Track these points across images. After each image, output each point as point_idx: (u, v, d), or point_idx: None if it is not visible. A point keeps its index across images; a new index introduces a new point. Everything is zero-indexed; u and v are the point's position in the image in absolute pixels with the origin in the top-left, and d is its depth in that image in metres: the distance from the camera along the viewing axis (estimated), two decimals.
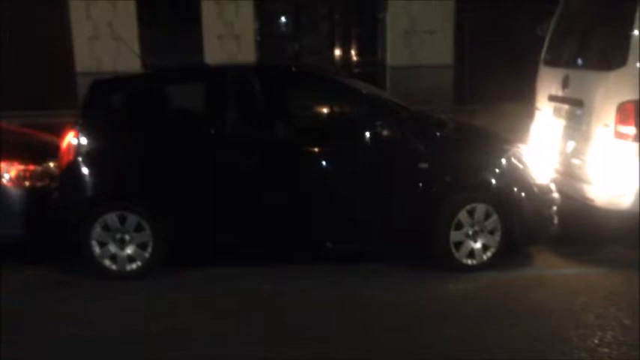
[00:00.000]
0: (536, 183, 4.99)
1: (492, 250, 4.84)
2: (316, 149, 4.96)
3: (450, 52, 11.47)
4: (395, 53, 11.62)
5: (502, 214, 4.81)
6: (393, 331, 4.01)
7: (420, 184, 4.82)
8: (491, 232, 4.83)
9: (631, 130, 4.90)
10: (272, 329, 4.08)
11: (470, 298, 4.52)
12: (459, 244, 4.83)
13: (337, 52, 12.43)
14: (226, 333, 4.05)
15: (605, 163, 5.10)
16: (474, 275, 4.80)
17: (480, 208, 4.80)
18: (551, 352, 3.71)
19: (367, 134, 4.87)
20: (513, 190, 4.87)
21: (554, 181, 5.35)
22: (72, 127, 4.96)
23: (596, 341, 3.83)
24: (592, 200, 5.27)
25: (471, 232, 4.82)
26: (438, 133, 5.08)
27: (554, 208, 5.03)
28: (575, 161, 5.52)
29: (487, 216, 4.81)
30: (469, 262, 4.85)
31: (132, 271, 4.89)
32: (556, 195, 5.08)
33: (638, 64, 4.91)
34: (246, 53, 11.23)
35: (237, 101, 5.15)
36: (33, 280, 5.01)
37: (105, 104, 5.12)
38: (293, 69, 6.16)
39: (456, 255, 4.83)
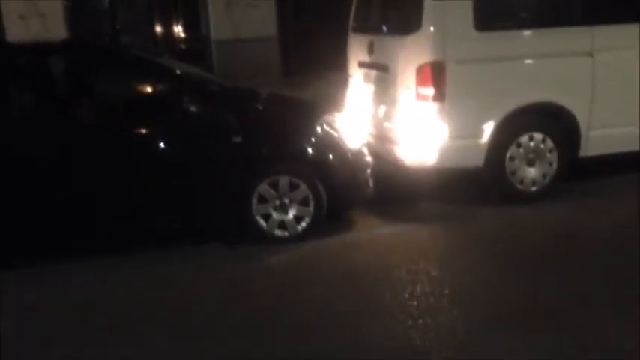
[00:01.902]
0: (350, 149, 5.07)
1: (307, 220, 4.84)
2: (126, 130, 4.77)
3: (273, 24, 11.42)
4: (218, 28, 11.36)
5: (313, 184, 4.81)
6: (205, 311, 3.92)
7: (234, 158, 4.74)
8: (303, 203, 4.82)
9: (429, 90, 5.14)
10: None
11: (284, 269, 4.52)
12: (267, 217, 4.80)
13: (158, 28, 11.89)
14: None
15: (410, 124, 5.32)
16: (291, 246, 4.79)
17: (283, 180, 4.77)
18: (364, 311, 3.80)
19: (177, 112, 4.80)
20: (326, 158, 4.91)
21: (369, 145, 5.52)
22: None
23: (406, 295, 3.99)
24: (402, 161, 5.49)
25: (278, 204, 4.80)
26: (251, 107, 5.03)
27: (369, 171, 5.15)
28: (385, 124, 5.71)
29: (294, 187, 4.79)
30: (280, 233, 4.83)
31: None
32: (369, 159, 5.22)
33: (431, 28, 5.16)
34: (55, 33, 10.32)
35: (33, 83, 4.80)
36: None
37: None
38: (92, 46, 5.76)
39: (265, 228, 4.80)
